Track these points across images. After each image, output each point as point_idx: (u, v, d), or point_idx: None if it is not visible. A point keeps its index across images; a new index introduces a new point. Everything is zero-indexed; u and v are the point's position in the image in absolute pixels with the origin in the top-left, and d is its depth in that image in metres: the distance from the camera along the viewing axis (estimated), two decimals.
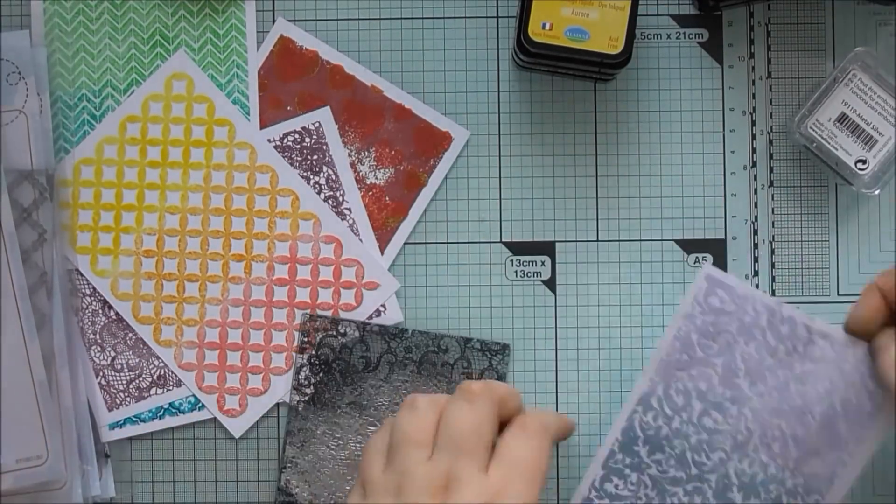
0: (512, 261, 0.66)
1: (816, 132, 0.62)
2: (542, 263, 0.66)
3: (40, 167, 0.64)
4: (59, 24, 0.65)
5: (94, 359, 0.65)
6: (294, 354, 0.65)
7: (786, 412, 0.60)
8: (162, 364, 0.65)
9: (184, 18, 0.65)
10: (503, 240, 0.66)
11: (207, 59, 0.65)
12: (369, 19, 0.66)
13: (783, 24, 0.66)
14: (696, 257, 0.66)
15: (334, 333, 0.64)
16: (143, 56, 0.65)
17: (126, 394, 0.65)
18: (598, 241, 0.66)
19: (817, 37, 0.66)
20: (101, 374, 0.65)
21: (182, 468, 0.66)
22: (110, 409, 0.65)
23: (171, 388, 0.65)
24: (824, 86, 0.63)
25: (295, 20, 0.66)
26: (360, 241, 0.65)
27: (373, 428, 0.64)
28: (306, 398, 0.64)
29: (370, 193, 0.66)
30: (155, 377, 0.65)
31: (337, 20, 0.66)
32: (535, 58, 0.62)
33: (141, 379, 0.65)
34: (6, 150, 0.64)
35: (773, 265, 0.66)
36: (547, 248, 0.66)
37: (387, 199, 0.66)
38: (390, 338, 0.64)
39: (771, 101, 0.66)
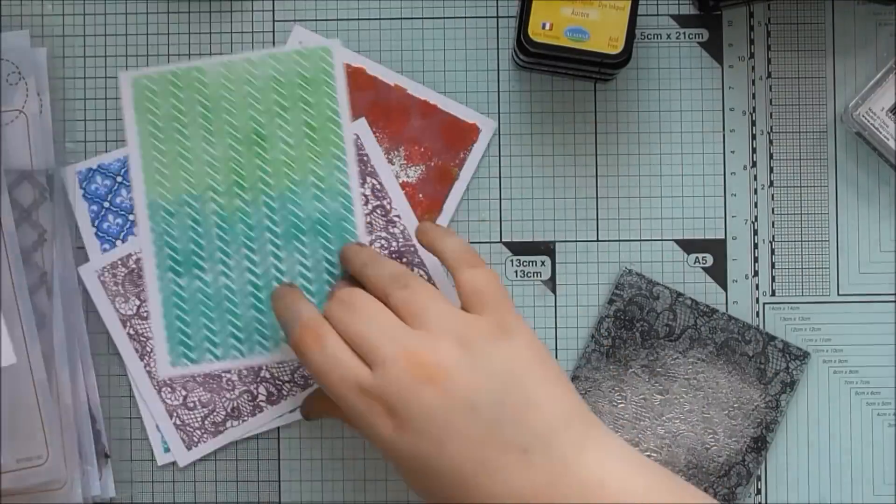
0: (512, 261, 0.66)
1: (868, 120, 0.63)
2: (542, 263, 0.66)
3: (40, 167, 0.64)
4: (152, 132, 0.64)
5: (166, 400, 0.65)
6: (600, 305, 0.65)
7: None
8: (234, 396, 0.65)
9: (275, 115, 0.65)
10: (503, 240, 0.66)
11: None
12: (369, 19, 0.66)
13: (783, 24, 0.66)
14: (696, 257, 0.66)
15: (647, 294, 0.64)
16: (240, 156, 0.65)
17: (202, 430, 0.65)
18: (598, 241, 0.66)
19: (817, 37, 0.66)
20: (174, 414, 0.65)
21: (181, 469, 0.66)
22: (189, 448, 0.65)
23: (245, 418, 0.65)
24: (879, 75, 0.63)
25: (294, 20, 0.66)
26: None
27: (660, 396, 0.64)
28: (602, 349, 0.65)
29: (403, 192, 0.66)
30: (228, 410, 0.65)
31: (337, 20, 0.66)
32: (535, 58, 0.62)
33: (215, 414, 0.65)
34: (6, 150, 0.64)
35: (773, 265, 0.66)
36: (547, 248, 0.66)
37: (420, 196, 0.66)
38: (699, 314, 0.65)
39: (771, 101, 0.66)
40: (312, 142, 0.64)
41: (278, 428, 0.66)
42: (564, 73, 0.64)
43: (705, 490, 0.64)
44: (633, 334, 0.65)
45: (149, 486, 0.66)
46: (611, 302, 0.65)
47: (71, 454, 0.62)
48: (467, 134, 0.66)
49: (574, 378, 0.65)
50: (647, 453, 0.64)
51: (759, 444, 0.65)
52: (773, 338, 0.65)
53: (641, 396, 0.65)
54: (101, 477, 0.64)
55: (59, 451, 0.61)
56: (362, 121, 0.66)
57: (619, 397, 0.65)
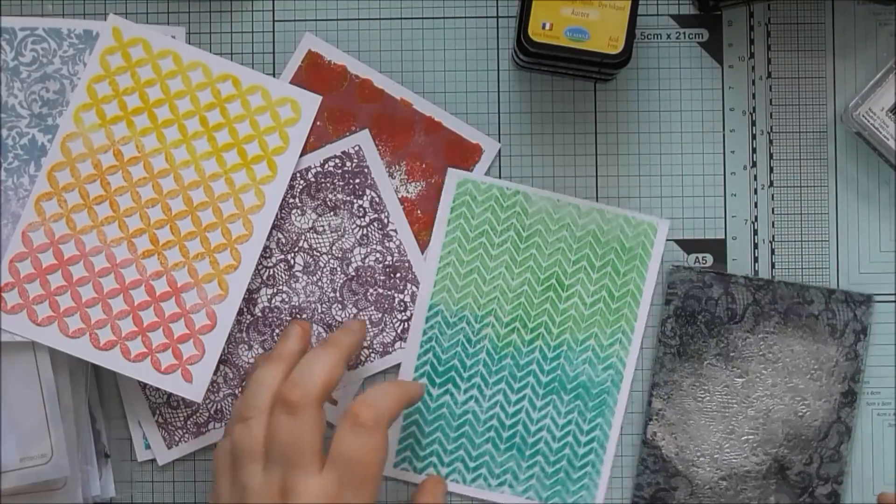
0: None
1: (868, 120, 0.63)
2: None
3: None
4: (460, 238, 0.65)
5: (150, 397, 0.65)
6: (660, 306, 0.65)
7: None
8: (218, 398, 0.65)
9: (583, 270, 0.65)
10: None
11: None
12: (369, 19, 0.66)
13: (783, 24, 0.66)
14: (696, 257, 0.66)
15: (700, 285, 0.64)
16: (535, 296, 0.65)
17: (184, 430, 0.65)
18: None
19: (817, 37, 0.66)
20: (157, 412, 0.65)
21: (182, 468, 0.66)
22: (169, 448, 0.65)
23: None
24: (879, 75, 0.63)
25: (294, 20, 0.66)
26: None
27: (740, 379, 0.64)
28: (672, 350, 0.65)
29: (402, 207, 0.66)
30: (212, 412, 0.65)
31: (336, 20, 0.66)
32: (535, 58, 0.62)
33: (198, 415, 0.65)
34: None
35: (773, 265, 0.66)
36: None
37: (418, 212, 0.66)
38: (756, 289, 0.65)
39: (771, 101, 0.66)
40: (608, 309, 0.65)
41: None
42: (564, 73, 0.64)
43: (810, 457, 0.64)
44: (699, 327, 0.65)
45: (149, 485, 0.66)
46: (668, 301, 0.65)
47: (71, 454, 0.62)
48: (470, 154, 0.66)
49: (654, 385, 0.65)
50: (745, 437, 0.64)
51: (850, 398, 0.65)
52: (832, 291, 0.65)
53: (723, 385, 0.65)
54: (101, 477, 0.64)
55: (64, 449, 0.61)
56: (365, 132, 0.66)
57: (702, 392, 0.65)
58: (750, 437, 0.64)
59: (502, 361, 0.65)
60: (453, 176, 0.65)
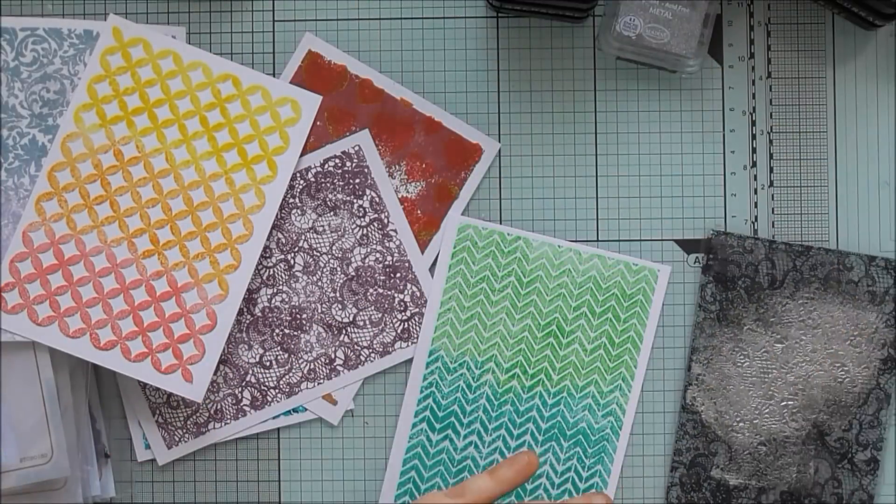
0: None
1: (630, 32, 0.62)
2: None
3: None
4: (461, 284, 0.65)
5: (150, 397, 0.65)
6: (700, 273, 0.65)
7: None
8: (218, 398, 0.65)
9: (583, 316, 0.65)
10: None
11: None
12: (369, 19, 0.66)
13: (783, 24, 0.66)
14: (696, 257, 0.66)
15: (740, 250, 0.64)
16: (535, 342, 0.65)
17: (184, 430, 0.65)
18: (598, 241, 0.66)
19: (817, 37, 0.66)
20: (157, 412, 0.65)
21: (182, 468, 0.66)
22: (169, 448, 0.65)
23: (228, 421, 0.65)
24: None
25: (295, 20, 0.66)
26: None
27: (780, 345, 0.64)
28: (712, 315, 0.65)
29: (402, 207, 0.66)
30: (212, 412, 0.65)
31: (336, 20, 0.66)
32: None
33: (198, 415, 0.65)
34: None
35: None
36: None
37: (418, 212, 0.66)
38: (796, 255, 0.64)
39: (771, 101, 0.66)
40: (608, 356, 0.65)
41: (278, 428, 0.66)
42: (537, 12, 0.64)
43: (849, 423, 0.64)
44: (738, 292, 0.65)
45: (149, 485, 0.66)
46: (707, 268, 0.65)
47: (71, 454, 0.62)
48: (470, 154, 0.66)
49: (693, 350, 0.65)
50: (784, 402, 0.64)
51: (889, 365, 0.65)
52: (873, 258, 0.65)
53: (763, 350, 0.65)
54: (101, 477, 0.64)
55: (64, 449, 0.61)
56: (365, 132, 0.66)
57: (742, 357, 0.65)
58: (789, 402, 0.65)
59: (502, 407, 0.65)
60: (454, 221, 0.65)
